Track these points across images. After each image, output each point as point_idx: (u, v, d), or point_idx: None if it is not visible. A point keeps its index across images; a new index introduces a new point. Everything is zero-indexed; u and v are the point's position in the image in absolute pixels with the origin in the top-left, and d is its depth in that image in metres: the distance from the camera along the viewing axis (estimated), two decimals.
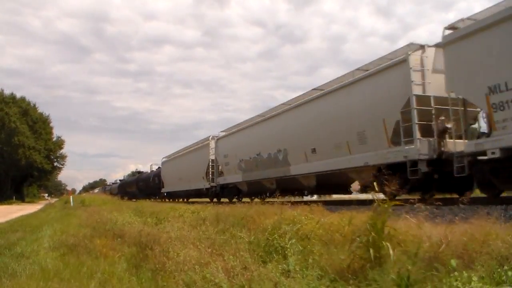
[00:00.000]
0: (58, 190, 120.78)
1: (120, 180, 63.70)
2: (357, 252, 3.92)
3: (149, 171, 41.43)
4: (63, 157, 66.46)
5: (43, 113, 62.40)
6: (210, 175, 20.81)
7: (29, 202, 58.52)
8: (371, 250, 3.73)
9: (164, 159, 33.38)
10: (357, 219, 5.06)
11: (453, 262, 3.19)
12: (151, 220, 10.61)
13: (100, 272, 5.24)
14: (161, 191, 32.09)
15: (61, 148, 65.01)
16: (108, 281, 4.81)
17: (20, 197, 61.28)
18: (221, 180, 20.06)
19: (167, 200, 31.62)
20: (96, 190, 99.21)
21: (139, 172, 47.67)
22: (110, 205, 20.51)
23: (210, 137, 21.59)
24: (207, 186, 21.18)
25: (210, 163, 20.89)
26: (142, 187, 40.22)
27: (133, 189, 43.43)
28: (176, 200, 29.31)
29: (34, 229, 11.45)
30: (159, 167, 36.38)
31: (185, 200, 27.78)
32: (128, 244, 7.37)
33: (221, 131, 20.92)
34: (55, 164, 65.62)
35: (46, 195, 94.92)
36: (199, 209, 11.49)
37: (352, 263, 3.88)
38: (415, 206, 4.56)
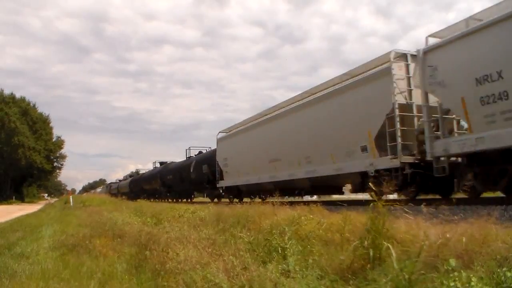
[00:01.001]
0: (57, 190, 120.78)
1: (130, 175, 50.26)
2: (357, 253, 3.93)
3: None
4: (63, 157, 66.60)
5: (43, 113, 62.53)
6: (399, 140, 9.08)
7: (28, 202, 58.51)
8: (371, 251, 3.74)
9: (222, 134, 19.84)
10: (356, 220, 5.07)
11: (452, 262, 3.19)
12: (151, 220, 10.61)
13: (100, 272, 5.24)
14: (217, 186, 19.50)
15: (61, 148, 65.16)
16: (108, 281, 4.81)
17: (20, 197, 61.30)
18: (455, 145, 7.83)
19: (227, 200, 19.14)
20: (98, 190, 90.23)
21: (162, 163, 33.46)
22: (110, 205, 20.50)
23: (392, 55, 9.56)
24: (383, 165, 9.49)
25: (397, 113, 9.20)
26: (172, 182, 26.97)
27: (155, 185, 31.00)
28: (250, 201, 14.13)
29: (34, 229, 11.45)
30: (200, 152, 25.02)
31: (262, 199, 15.61)
32: (128, 244, 7.37)
33: (430, 36, 8.83)
34: (55, 164, 65.71)
35: (46, 195, 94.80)
36: (199, 209, 11.49)
37: (352, 264, 3.88)
38: (414, 206, 4.57)
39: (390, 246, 3.64)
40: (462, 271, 3.08)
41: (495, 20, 7.10)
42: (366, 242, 3.86)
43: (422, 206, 4.60)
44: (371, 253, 3.72)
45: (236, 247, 5.35)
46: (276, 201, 9.01)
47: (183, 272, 4.47)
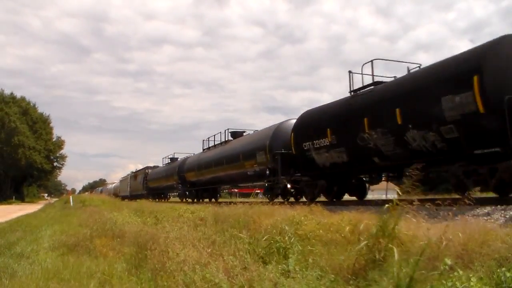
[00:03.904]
0: (58, 190, 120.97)
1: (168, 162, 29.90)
2: (361, 253, 3.91)
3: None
4: (63, 157, 66.60)
5: (43, 113, 62.54)
6: None
7: (28, 202, 58.50)
8: (377, 253, 3.69)
9: None
10: (356, 220, 5.07)
11: (447, 261, 3.17)
12: (150, 220, 10.62)
13: (99, 272, 5.24)
14: None
15: (61, 148, 65.18)
16: (107, 281, 4.81)
17: (20, 197, 61.28)
18: None
19: None
20: (109, 186, 67.02)
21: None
22: (110, 205, 20.51)
23: None
24: None
25: None
26: None
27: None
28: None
29: (33, 229, 11.45)
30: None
31: None
32: (128, 244, 7.37)
33: None
34: (55, 164, 65.70)
35: (46, 195, 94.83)
36: (199, 209, 11.49)
37: (352, 264, 3.88)
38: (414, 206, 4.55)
39: (395, 249, 3.61)
40: (459, 270, 3.08)
41: None
42: (372, 244, 3.82)
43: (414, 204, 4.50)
44: (377, 256, 3.69)
45: (236, 247, 5.35)
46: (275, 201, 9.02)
47: (182, 272, 4.47)
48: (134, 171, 46.04)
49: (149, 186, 34.13)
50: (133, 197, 36.08)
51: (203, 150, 23.64)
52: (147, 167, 37.17)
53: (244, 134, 19.84)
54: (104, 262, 5.99)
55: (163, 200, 31.59)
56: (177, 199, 29.78)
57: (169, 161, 31.16)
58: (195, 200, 23.85)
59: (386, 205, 4.09)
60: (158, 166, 34.95)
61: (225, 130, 20.83)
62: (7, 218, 16.54)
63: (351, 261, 3.92)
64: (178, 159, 29.54)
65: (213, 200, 23.52)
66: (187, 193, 25.89)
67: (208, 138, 23.17)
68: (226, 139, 20.63)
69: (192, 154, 26.80)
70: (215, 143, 22.08)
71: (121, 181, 53.36)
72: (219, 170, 19.79)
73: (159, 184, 31.55)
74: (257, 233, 6.20)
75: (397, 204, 3.97)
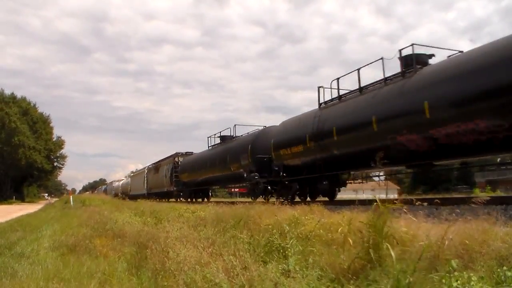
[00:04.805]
0: (58, 190, 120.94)
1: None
2: (358, 251, 3.92)
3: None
4: (63, 157, 66.67)
5: (44, 113, 62.56)
6: None
7: (29, 202, 58.52)
8: (372, 252, 3.71)
9: None
10: (357, 220, 5.06)
11: (454, 263, 3.18)
12: (151, 220, 10.61)
13: (100, 272, 5.24)
14: None
15: (61, 148, 65.23)
16: (108, 281, 4.81)
17: (20, 197, 61.31)
18: None
19: None
20: (115, 184, 54.21)
21: None
22: (111, 206, 20.52)
23: None
24: None
25: None
26: None
27: None
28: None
29: (34, 229, 11.46)
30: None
31: None
32: (128, 244, 7.37)
33: None
34: (55, 164, 65.73)
35: (46, 195, 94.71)
36: (199, 209, 11.49)
37: (353, 264, 3.88)
38: (414, 206, 4.55)
39: (389, 246, 3.62)
40: (463, 271, 3.08)
41: None
42: (366, 242, 3.84)
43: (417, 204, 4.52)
44: (372, 254, 3.70)
45: (236, 247, 5.35)
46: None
47: (183, 272, 4.47)
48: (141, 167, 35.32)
49: (182, 180, 23.56)
50: (152, 196, 27.62)
51: (322, 104, 12.39)
52: (177, 154, 26.03)
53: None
54: (105, 262, 5.99)
55: (201, 201, 21.37)
56: (223, 198, 21.36)
57: (220, 142, 19.96)
58: (298, 200, 12.47)
59: (374, 204, 4.11)
60: (192, 153, 25.19)
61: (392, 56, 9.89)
62: (8, 218, 16.54)
63: (351, 261, 3.92)
64: (236, 137, 18.42)
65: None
66: (268, 187, 14.30)
67: (338, 79, 11.93)
68: (386, 76, 9.99)
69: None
70: (354, 89, 11.21)
71: (132, 176, 43.63)
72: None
73: (200, 176, 20.74)
74: (257, 233, 6.20)
75: (383, 204, 3.99)
